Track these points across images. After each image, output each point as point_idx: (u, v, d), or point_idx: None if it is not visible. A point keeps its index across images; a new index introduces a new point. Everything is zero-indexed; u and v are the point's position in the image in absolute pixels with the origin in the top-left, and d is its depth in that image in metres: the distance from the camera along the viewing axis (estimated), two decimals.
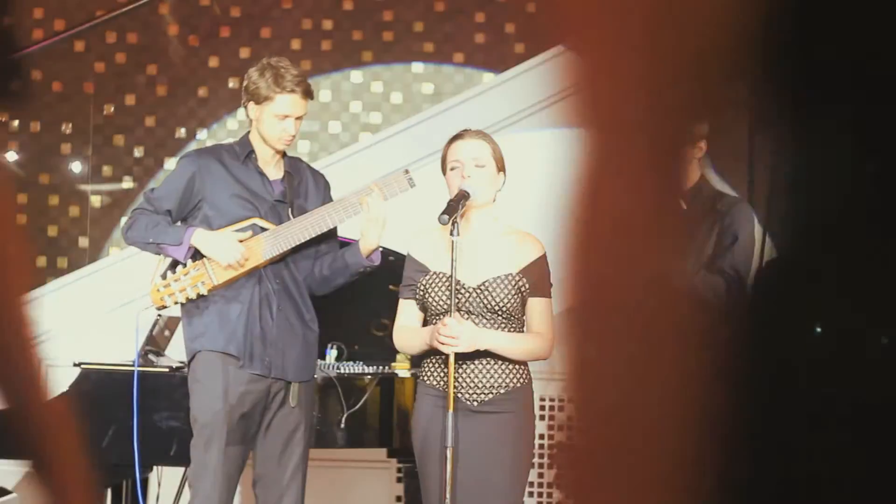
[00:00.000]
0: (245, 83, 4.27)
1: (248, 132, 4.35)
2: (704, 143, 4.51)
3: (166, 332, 5.20)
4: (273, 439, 4.25)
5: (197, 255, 4.22)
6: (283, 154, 4.35)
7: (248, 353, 4.19)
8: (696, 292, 4.15)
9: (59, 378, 5.58)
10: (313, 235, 4.21)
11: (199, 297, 4.20)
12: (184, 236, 4.20)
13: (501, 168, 3.93)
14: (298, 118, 4.26)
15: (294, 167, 4.38)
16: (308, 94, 4.26)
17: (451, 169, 3.90)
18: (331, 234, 4.33)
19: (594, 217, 1.28)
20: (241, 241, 4.19)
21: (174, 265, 4.23)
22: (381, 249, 4.29)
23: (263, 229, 4.23)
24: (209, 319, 4.22)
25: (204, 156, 4.31)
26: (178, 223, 4.29)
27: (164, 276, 4.22)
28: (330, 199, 4.38)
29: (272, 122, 4.22)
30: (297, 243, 4.22)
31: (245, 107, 4.29)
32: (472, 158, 3.87)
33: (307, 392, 4.33)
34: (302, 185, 4.36)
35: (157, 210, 4.27)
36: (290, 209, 4.28)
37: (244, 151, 4.29)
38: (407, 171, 4.25)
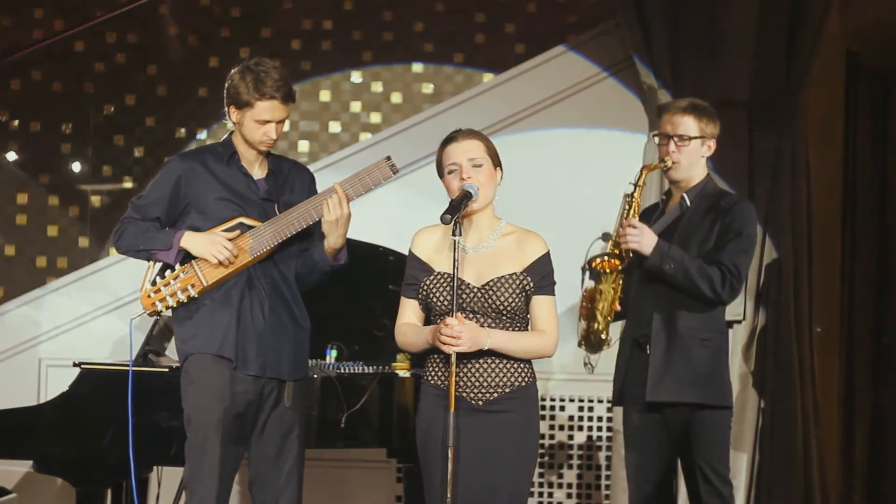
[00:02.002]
0: (227, 86, 4.25)
1: (232, 133, 4.34)
2: (714, 143, 4.55)
3: (166, 333, 5.20)
4: (268, 440, 4.24)
5: (187, 258, 4.22)
6: (268, 153, 4.34)
7: (242, 354, 4.18)
8: (690, 277, 4.16)
9: (59, 378, 5.58)
10: (298, 230, 4.20)
11: (191, 300, 4.20)
12: (172, 240, 4.19)
13: (497, 164, 3.93)
14: (280, 122, 4.24)
15: (278, 165, 4.36)
16: (288, 98, 4.22)
17: (449, 172, 3.89)
18: (314, 233, 4.31)
19: None
20: (230, 238, 4.18)
21: (163, 270, 4.23)
22: (345, 249, 4.26)
23: (250, 227, 4.22)
24: (200, 322, 4.21)
25: (187, 160, 4.30)
26: (167, 228, 4.29)
27: (153, 283, 4.21)
28: (316, 193, 4.37)
29: (253, 126, 4.21)
30: (283, 239, 4.20)
31: (227, 109, 4.28)
32: (469, 160, 3.86)
33: (301, 391, 4.32)
34: (287, 182, 4.35)
35: (145, 217, 4.26)
36: (276, 206, 4.27)
37: (227, 153, 4.28)
38: (388, 158, 4.21)
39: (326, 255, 4.22)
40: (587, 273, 4.46)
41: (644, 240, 4.38)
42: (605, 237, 4.42)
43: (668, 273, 4.34)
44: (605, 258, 4.46)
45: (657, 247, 4.35)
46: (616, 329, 4.72)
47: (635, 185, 4.48)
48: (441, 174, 3.92)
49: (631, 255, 4.45)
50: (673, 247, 4.37)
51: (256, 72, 4.18)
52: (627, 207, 4.46)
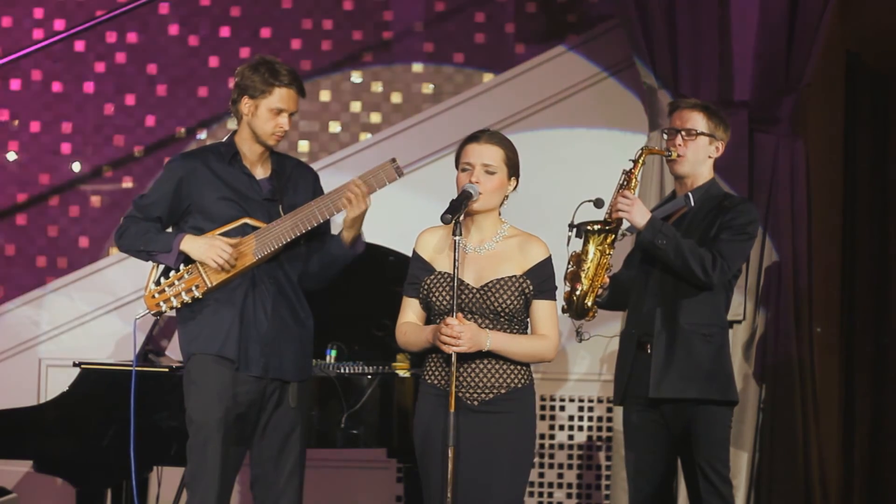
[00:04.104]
0: (237, 79, 4.26)
1: (234, 133, 4.34)
2: (722, 147, 4.55)
3: (166, 333, 5.21)
4: (270, 440, 4.24)
5: (189, 260, 4.22)
6: (270, 153, 4.34)
7: (245, 355, 4.18)
8: (682, 255, 4.12)
9: (59, 378, 5.58)
10: (303, 232, 4.20)
11: (194, 300, 4.20)
12: (173, 243, 4.19)
13: (514, 174, 3.92)
14: (291, 114, 4.26)
15: (280, 164, 4.37)
16: (302, 90, 4.27)
17: (462, 170, 3.89)
18: (321, 231, 4.32)
19: None
20: (230, 243, 4.18)
21: (167, 270, 4.23)
22: (363, 237, 4.29)
23: (255, 228, 4.22)
24: (204, 323, 4.21)
25: (190, 159, 4.30)
26: (170, 228, 4.28)
27: (157, 282, 4.21)
28: (321, 192, 4.37)
29: (267, 116, 4.22)
30: (288, 241, 4.20)
31: (236, 103, 4.27)
32: (483, 164, 3.86)
33: (304, 392, 4.33)
34: (290, 182, 4.35)
35: (147, 217, 4.26)
36: (280, 207, 4.27)
37: (229, 153, 4.29)
38: (394, 160, 4.23)
39: (345, 247, 4.23)
40: (573, 231, 4.38)
41: (634, 210, 4.35)
42: (598, 203, 4.35)
43: (661, 248, 4.32)
44: (594, 223, 4.41)
45: (650, 222, 4.34)
46: (612, 322, 4.70)
47: (634, 161, 4.47)
48: (457, 166, 3.93)
49: (625, 232, 4.44)
50: (666, 224, 4.38)
51: (270, 62, 4.23)
52: (625, 182, 4.45)
